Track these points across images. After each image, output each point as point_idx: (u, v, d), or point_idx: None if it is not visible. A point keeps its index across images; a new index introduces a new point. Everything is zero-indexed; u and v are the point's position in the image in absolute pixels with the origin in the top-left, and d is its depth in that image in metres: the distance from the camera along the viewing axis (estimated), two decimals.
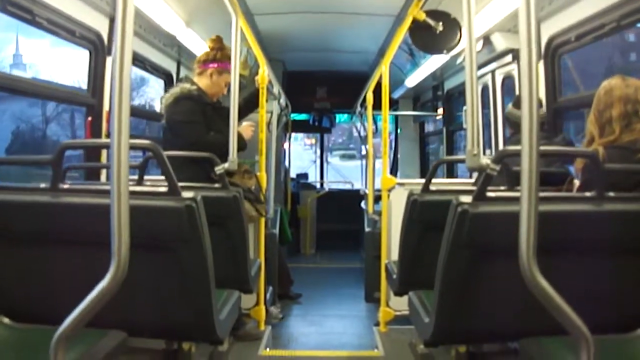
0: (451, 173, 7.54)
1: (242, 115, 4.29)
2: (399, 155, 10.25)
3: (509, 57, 5.11)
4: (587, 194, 2.32)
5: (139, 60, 5.11)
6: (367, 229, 6.56)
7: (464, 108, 6.03)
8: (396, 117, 10.26)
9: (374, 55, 7.79)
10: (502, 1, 4.31)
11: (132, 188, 1.84)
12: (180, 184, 2.34)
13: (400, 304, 4.55)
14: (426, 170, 8.61)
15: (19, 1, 3.26)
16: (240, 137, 4.24)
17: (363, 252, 7.18)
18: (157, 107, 5.14)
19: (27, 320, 2.39)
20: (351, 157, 24.98)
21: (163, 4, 4.59)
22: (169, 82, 5.95)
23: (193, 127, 4.02)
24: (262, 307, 4.70)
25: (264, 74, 4.60)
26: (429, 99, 8.81)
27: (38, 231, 2.33)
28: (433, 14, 4.50)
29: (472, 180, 4.50)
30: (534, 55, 1.75)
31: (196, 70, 4.25)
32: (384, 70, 5.00)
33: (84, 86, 4.27)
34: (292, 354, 4.59)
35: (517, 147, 1.78)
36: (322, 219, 10.24)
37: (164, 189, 2.31)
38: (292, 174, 10.79)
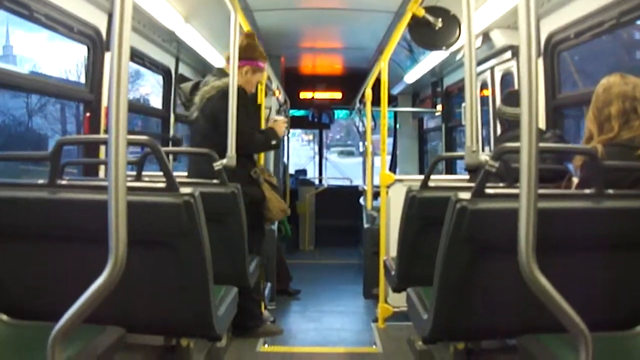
0: (450, 170, 7.53)
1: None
2: (397, 152, 10.25)
3: (508, 54, 5.11)
4: (587, 191, 2.32)
5: (137, 56, 5.10)
6: (365, 225, 6.56)
7: (463, 104, 6.03)
8: (395, 113, 10.25)
9: (373, 52, 7.78)
10: None
11: (130, 184, 1.83)
12: (184, 180, 2.33)
13: (398, 301, 4.56)
14: (425, 167, 8.63)
15: None
16: (274, 133, 4.29)
17: (362, 249, 7.18)
18: (154, 103, 5.12)
19: (24, 317, 2.38)
20: (349, 153, 24.95)
21: None
22: (167, 78, 5.94)
23: (245, 123, 4.04)
24: (261, 303, 4.72)
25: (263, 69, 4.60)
26: (428, 96, 8.81)
27: (35, 227, 2.33)
28: (432, 10, 4.50)
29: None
30: (534, 52, 1.75)
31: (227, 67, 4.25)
32: (383, 67, 4.99)
33: (75, 77, 4.25)
34: (290, 350, 4.59)
35: (517, 144, 1.78)
36: (321, 215, 10.25)
37: (162, 185, 2.31)
38: (291, 170, 10.79)
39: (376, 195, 5.79)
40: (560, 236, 2.14)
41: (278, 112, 6.73)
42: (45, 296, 2.35)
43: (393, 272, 3.67)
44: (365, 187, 6.81)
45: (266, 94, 5.29)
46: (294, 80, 9.46)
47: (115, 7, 1.69)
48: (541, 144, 1.81)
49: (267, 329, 4.77)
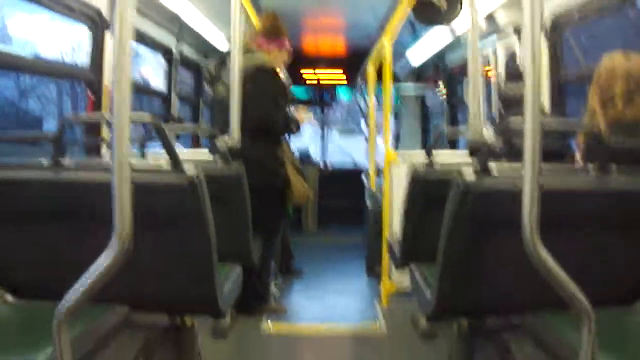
0: (453, 148, 7.52)
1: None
2: (400, 131, 10.22)
3: (511, 32, 5.07)
4: (590, 167, 2.31)
5: (138, 36, 5.07)
6: (368, 204, 6.56)
7: (466, 80, 6.00)
8: (397, 91, 10.20)
9: (374, 30, 7.73)
10: None
11: (134, 163, 1.84)
12: (186, 158, 2.33)
13: (401, 279, 4.57)
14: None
15: None
16: (296, 121, 4.38)
17: (365, 227, 7.18)
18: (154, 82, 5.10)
19: (30, 297, 2.40)
20: (351, 131, 24.89)
21: None
22: (169, 58, 5.92)
23: (277, 102, 4.13)
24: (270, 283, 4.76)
25: None
26: (430, 74, 8.76)
27: (40, 207, 2.33)
28: None
29: None
30: (537, 30, 1.74)
31: (254, 45, 4.27)
32: (386, 46, 4.96)
33: (71, 57, 4.22)
34: (294, 327, 4.62)
35: (520, 122, 1.78)
36: (325, 195, 10.23)
37: (166, 165, 2.31)
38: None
39: (379, 173, 5.78)
40: (563, 214, 2.14)
41: None
42: (50, 277, 2.36)
43: (396, 250, 3.68)
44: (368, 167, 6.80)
45: None
46: (295, 59, 9.40)
47: None
48: (545, 119, 1.80)
49: (272, 307, 4.80)
